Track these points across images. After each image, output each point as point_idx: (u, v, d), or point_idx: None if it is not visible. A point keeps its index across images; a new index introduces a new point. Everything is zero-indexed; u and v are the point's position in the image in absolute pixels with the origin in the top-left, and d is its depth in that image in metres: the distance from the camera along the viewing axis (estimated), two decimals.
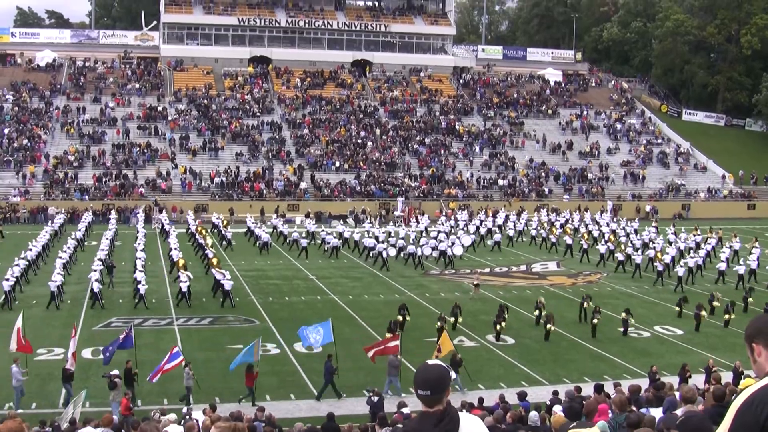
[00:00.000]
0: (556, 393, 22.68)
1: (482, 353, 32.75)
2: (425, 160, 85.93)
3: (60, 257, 46.51)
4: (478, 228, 66.53)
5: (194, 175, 77.85)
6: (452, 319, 35.96)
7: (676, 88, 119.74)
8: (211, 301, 41.74)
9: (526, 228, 68.32)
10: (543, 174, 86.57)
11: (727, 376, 25.32)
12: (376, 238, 57.41)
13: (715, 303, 40.61)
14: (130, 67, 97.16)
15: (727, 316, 38.48)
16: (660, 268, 49.38)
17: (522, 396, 22.49)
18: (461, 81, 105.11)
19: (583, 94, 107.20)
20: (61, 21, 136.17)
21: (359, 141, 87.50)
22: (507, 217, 70.76)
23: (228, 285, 41.30)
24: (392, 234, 60.91)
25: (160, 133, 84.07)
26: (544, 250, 61.68)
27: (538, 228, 66.18)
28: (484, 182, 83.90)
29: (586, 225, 68.27)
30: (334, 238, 58.26)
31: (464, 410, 17.98)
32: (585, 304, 38.68)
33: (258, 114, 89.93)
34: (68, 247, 50.80)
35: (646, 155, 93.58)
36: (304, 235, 59.43)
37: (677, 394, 17.22)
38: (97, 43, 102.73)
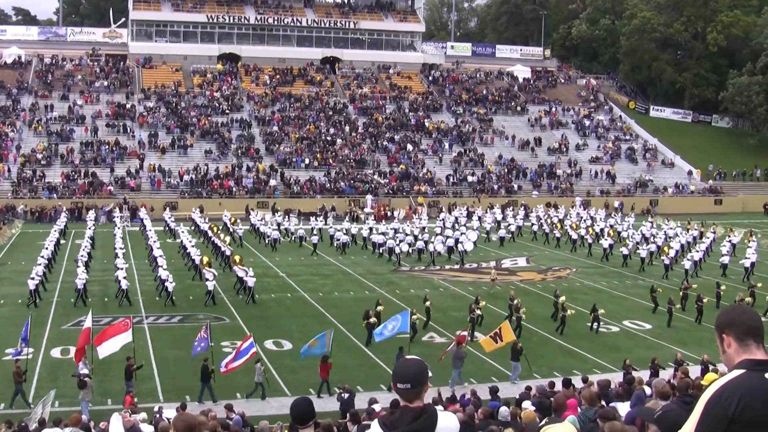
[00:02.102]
0: (528, 388, 22.78)
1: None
2: (395, 157, 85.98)
3: (82, 256, 46.69)
4: (480, 224, 67.61)
5: (163, 173, 77.45)
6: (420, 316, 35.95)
7: (644, 85, 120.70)
8: (180, 299, 41.56)
9: (524, 223, 69.16)
10: (506, 170, 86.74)
11: (695, 370, 25.52)
12: (384, 234, 58.08)
13: (690, 292, 41.04)
14: (98, 65, 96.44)
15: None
16: (667, 261, 50.53)
17: (494, 391, 22.56)
18: (430, 78, 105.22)
19: (551, 91, 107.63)
20: (28, 18, 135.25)
21: (329, 138, 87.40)
22: (509, 212, 72.03)
23: (251, 282, 41.91)
24: (399, 230, 61.10)
25: (128, 130, 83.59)
26: (548, 246, 62.55)
27: (540, 224, 67.18)
28: (453, 179, 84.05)
29: (583, 220, 68.90)
30: (344, 234, 58.89)
31: (441, 407, 18.06)
32: (559, 301, 38.76)
33: (227, 111, 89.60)
34: (86, 246, 50.98)
35: (614, 151, 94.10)
36: (315, 233, 60.05)
37: (646, 388, 17.35)
38: (64, 41, 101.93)
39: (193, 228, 63.41)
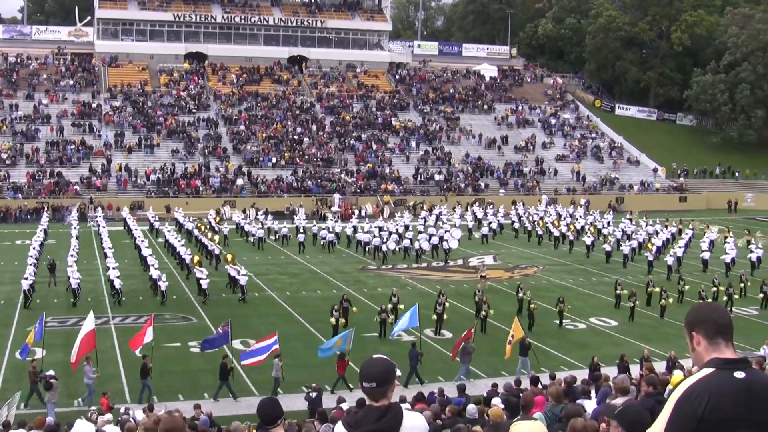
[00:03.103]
0: (495, 386, 22.83)
1: (422, 347, 32.79)
2: (362, 155, 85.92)
3: (72, 256, 46.54)
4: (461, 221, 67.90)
5: (130, 173, 76.95)
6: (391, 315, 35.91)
7: (610, 84, 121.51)
8: (148, 299, 41.35)
9: (505, 221, 69.33)
10: (472, 169, 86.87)
11: (661, 366, 25.71)
12: (369, 232, 58.28)
13: (655, 290, 41.35)
14: (64, 63, 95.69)
15: (663, 302, 39.24)
16: (650, 258, 51.28)
17: (461, 389, 22.59)
18: (397, 77, 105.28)
19: (518, 90, 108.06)
20: None
21: (296, 137, 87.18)
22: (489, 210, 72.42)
23: (243, 280, 42.18)
24: (383, 229, 60.93)
25: (94, 130, 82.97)
26: (532, 244, 62.85)
27: (522, 221, 67.68)
28: (420, 177, 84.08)
29: (563, 218, 69.20)
30: (330, 232, 59.15)
31: (408, 404, 18.07)
32: (521, 295, 39.31)
33: (194, 110, 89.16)
34: (75, 246, 50.80)
35: (580, 149, 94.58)
36: (302, 231, 59.88)
37: (612, 384, 17.45)
38: (29, 39, 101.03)
39: (176, 227, 63.15)
